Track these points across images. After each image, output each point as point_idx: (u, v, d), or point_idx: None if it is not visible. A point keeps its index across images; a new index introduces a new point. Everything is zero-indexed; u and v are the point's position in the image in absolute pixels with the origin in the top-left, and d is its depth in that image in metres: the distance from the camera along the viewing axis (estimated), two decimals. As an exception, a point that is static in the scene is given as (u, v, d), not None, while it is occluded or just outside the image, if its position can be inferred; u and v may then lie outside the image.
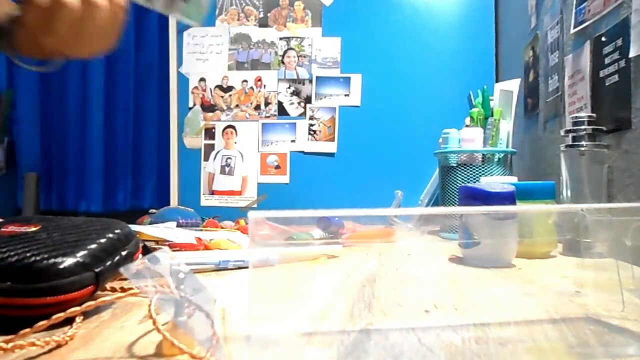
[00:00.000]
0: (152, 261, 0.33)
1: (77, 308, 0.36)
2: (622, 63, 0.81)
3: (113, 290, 0.49)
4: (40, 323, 0.34)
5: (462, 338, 0.36)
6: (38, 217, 0.52)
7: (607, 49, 0.86)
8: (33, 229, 0.46)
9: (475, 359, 0.31)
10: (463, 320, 0.42)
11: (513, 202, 0.71)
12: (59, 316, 0.34)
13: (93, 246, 0.43)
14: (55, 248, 0.41)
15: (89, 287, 0.41)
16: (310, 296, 0.51)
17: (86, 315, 0.41)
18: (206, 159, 1.91)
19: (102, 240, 0.44)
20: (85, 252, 0.42)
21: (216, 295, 0.42)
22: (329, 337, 0.36)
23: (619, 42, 0.81)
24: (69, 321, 0.36)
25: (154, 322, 0.31)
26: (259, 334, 0.28)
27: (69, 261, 0.40)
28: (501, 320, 0.41)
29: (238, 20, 1.92)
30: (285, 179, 1.87)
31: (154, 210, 1.24)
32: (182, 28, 1.92)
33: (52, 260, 0.39)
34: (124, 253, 0.46)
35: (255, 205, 1.86)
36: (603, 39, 0.87)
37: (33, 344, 0.32)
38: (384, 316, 0.43)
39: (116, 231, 0.47)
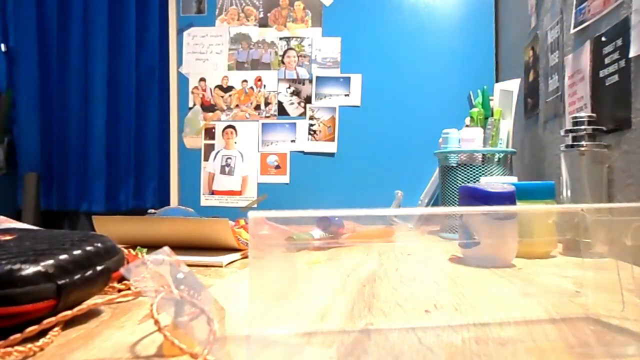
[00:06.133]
0: (152, 261, 0.33)
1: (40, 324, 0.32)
2: (622, 63, 0.81)
3: (106, 291, 0.47)
4: (15, 336, 0.31)
5: (462, 338, 0.36)
6: (21, 229, 0.47)
7: (607, 49, 0.86)
8: (8, 237, 0.42)
9: (475, 359, 0.31)
10: (463, 320, 0.42)
11: (513, 202, 0.71)
12: (33, 328, 0.32)
13: (63, 256, 0.38)
14: (20, 255, 0.37)
15: (48, 301, 0.36)
16: (310, 296, 0.51)
17: (85, 316, 0.41)
18: (206, 159, 1.91)
19: (76, 252, 0.39)
20: (51, 261, 0.37)
21: (216, 295, 0.42)
22: (329, 337, 0.36)
23: (619, 42, 0.81)
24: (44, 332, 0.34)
25: (156, 322, 0.31)
26: (259, 334, 0.28)
27: (29, 269, 0.35)
28: (501, 320, 0.41)
29: (238, 20, 1.92)
30: (285, 179, 1.88)
31: (153, 211, 1.23)
32: (182, 28, 1.92)
33: (8, 267, 0.35)
34: (99, 268, 0.40)
35: (255, 205, 1.87)
36: (603, 39, 0.87)
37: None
38: (384, 316, 0.43)
39: (96, 244, 0.42)
